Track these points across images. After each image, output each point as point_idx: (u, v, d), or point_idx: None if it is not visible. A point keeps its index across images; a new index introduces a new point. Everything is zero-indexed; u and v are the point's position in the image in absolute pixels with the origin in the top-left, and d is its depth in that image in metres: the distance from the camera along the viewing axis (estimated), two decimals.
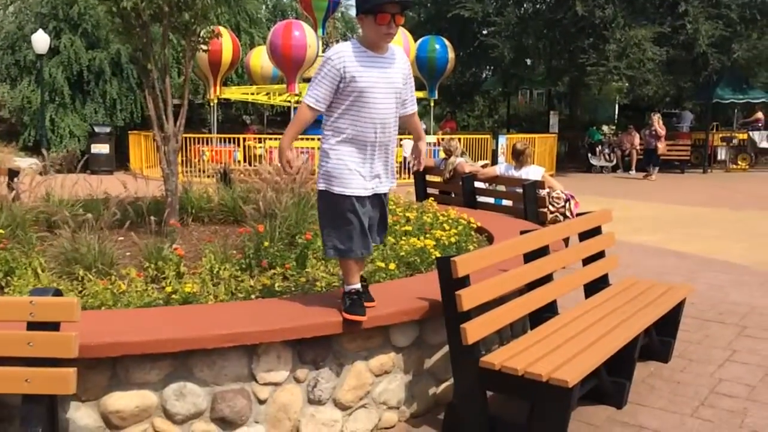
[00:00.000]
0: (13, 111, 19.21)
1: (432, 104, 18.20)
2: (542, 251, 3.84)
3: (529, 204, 6.40)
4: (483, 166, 7.90)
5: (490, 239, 5.07)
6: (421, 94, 16.01)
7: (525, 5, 20.45)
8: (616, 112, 26.34)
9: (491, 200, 7.12)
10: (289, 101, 15.66)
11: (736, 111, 23.91)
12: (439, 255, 3.86)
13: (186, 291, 3.43)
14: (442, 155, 7.72)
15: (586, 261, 4.33)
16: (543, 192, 6.47)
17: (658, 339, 4.18)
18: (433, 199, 6.39)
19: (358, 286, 3.18)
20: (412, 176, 8.31)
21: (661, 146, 17.58)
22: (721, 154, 20.18)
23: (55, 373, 2.47)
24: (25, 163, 15.80)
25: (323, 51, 14.60)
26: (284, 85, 15.52)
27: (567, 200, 6.46)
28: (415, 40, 16.95)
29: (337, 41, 18.73)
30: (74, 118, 18.83)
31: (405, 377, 3.40)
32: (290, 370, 3.06)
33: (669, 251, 7.80)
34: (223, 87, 17.92)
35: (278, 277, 3.83)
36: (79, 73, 18.77)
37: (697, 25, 17.38)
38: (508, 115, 26.24)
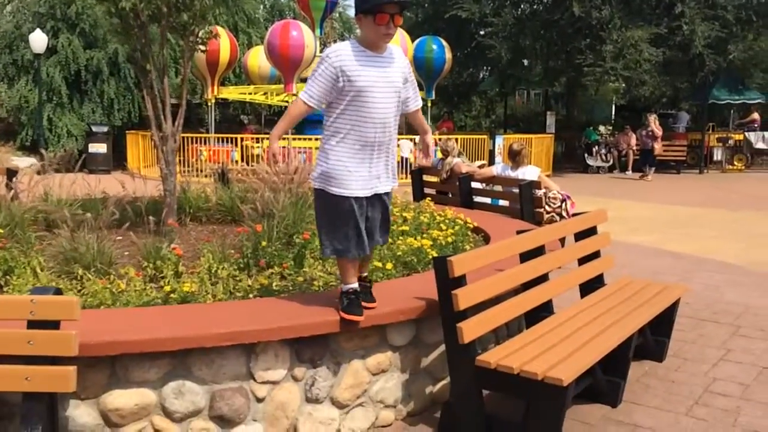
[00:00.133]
0: (11, 110, 19.20)
1: (429, 104, 18.23)
2: (538, 251, 3.87)
3: (526, 204, 6.43)
4: (480, 167, 7.94)
5: (486, 239, 5.10)
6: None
7: (522, 6, 20.52)
8: (613, 112, 26.43)
9: (488, 200, 7.16)
10: (287, 101, 15.68)
11: (732, 112, 23.99)
12: (435, 255, 3.89)
13: (184, 290, 3.45)
14: (440, 155, 7.75)
15: (582, 261, 4.37)
16: (539, 192, 6.51)
17: (652, 338, 4.21)
18: (430, 199, 6.42)
19: (355, 285, 3.20)
20: (409, 176, 8.34)
21: (658, 147, 17.65)
22: (718, 155, 20.25)
23: (55, 372, 2.50)
24: (23, 162, 15.80)
25: (321, 51, 14.62)
26: (282, 85, 15.54)
27: (563, 200, 6.50)
28: (413, 41, 16.98)
29: (335, 41, 18.73)
30: (72, 118, 18.82)
31: (402, 376, 3.43)
32: (288, 368, 3.09)
33: (665, 251, 7.84)
34: (221, 87, 17.94)
35: (276, 276, 3.85)
36: (76, 72, 18.76)
37: (694, 26, 17.44)
38: (505, 115, 26.30)
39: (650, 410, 3.59)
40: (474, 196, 7.08)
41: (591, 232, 4.45)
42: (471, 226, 5.32)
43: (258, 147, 15.09)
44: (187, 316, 3.11)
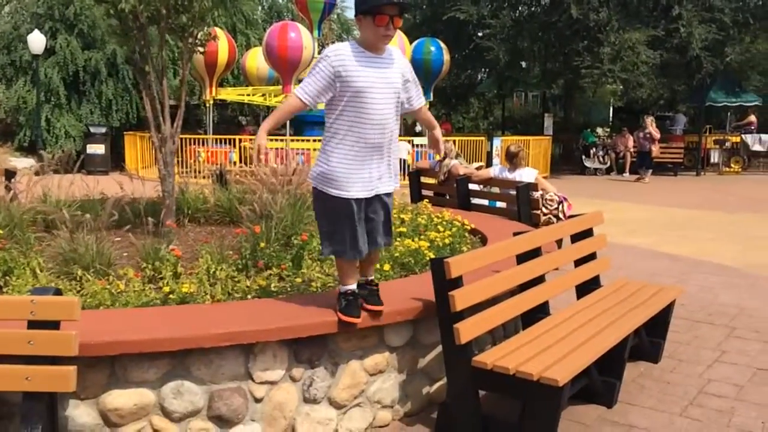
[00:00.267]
0: (9, 111, 19.21)
1: (427, 106, 18.21)
2: (534, 253, 3.90)
3: (523, 206, 6.45)
4: (477, 168, 7.96)
5: (483, 241, 5.13)
6: None
7: (520, 8, 20.58)
8: (611, 114, 26.50)
9: (485, 202, 7.18)
10: None
11: (729, 114, 24.08)
12: (433, 256, 3.91)
13: (183, 291, 3.48)
14: (437, 157, 7.77)
15: (578, 262, 4.40)
16: (536, 194, 6.53)
17: (648, 340, 4.24)
18: (427, 200, 6.45)
19: (353, 287, 3.22)
20: (407, 178, 8.36)
21: (655, 149, 17.71)
22: (714, 157, 20.32)
23: (55, 371, 2.52)
24: (21, 163, 15.80)
25: (319, 52, 14.65)
26: (280, 87, 15.56)
27: (560, 202, 6.52)
28: (411, 42, 17.02)
29: (333, 43, 18.78)
30: (70, 119, 18.84)
31: (399, 376, 3.45)
32: (286, 369, 3.11)
33: (661, 253, 7.87)
34: (219, 88, 17.94)
35: (274, 277, 3.87)
36: (74, 73, 18.78)
37: (691, 28, 17.51)
38: (503, 117, 26.35)
39: (645, 411, 3.62)
40: (471, 198, 7.11)
41: (587, 234, 4.48)
42: (468, 227, 5.35)
43: None
44: (185, 317, 3.13)
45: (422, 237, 4.65)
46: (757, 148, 20.22)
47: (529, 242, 3.87)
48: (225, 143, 15.83)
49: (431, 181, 7.82)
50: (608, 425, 3.46)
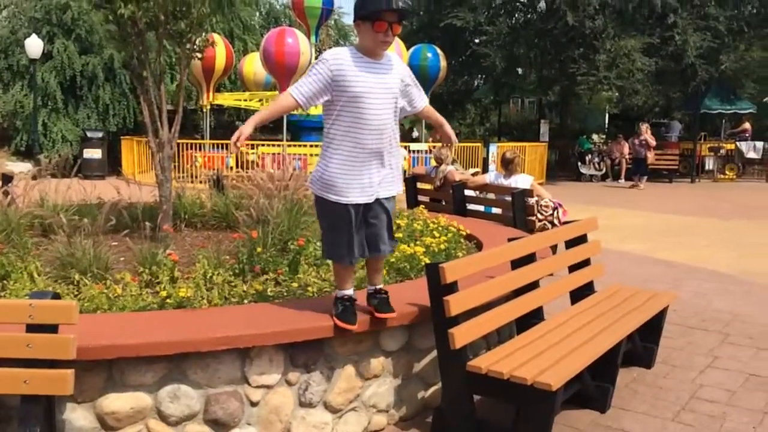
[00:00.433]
0: (6, 115, 19.20)
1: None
2: (529, 258, 3.93)
3: (518, 212, 6.50)
4: (473, 174, 8.01)
5: (479, 246, 5.16)
6: None
7: (516, 15, 20.69)
8: (606, 121, 26.60)
9: (481, 208, 7.23)
10: None
11: (723, 121, 24.22)
12: (428, 261, 3.94)
13: (180, 295, 3.50)
14: (433, 163, 7.82)
15: (572, 268, 4.43)
16: (531, 200, 6.58)
17: (641, 345, 4.28)
18: (423, 206, 6.48)
19: (349, 292, 3.25)
20: (403, 184, 8.39)
21: (650, 156, 17.80)
22: (709, 164, 20.43)
23: (53, 375, 2.54)
24: (17, 167, 15.79)
25: (316, 58, 14.71)
26: (277, 92, 15.61)
27: (555, 208, 6.57)
28: (408, 49, 17.09)
29: (330, 48, 18.85)
30: (67, 123, 18.85)
31: (394, 381, 3.48)
32: (282, 373, 3.13)
33: (656, 260, 7.92)
34: (216, 93, 17.99)
35: (271, 282, 3.89)
36: (72, 78, 18.80)
37: (686, 36, 17.63)
38: (499, 123, 26.44)
39: (638, 416, 3.65)
40: (467, 204, 7.15)
41: (581, 240, 4.52)
42: (464, 233, 5.37)
43: (253, 153, 15.14)
44: (182, 321, 3.15)
45: (418, 242, 4.68)
46: (751, 155, 20.33)
47: (523, 248, 3.91)
48: (222, 148, 15.85)
49: (427, 186, 7.86)
50: (601, 430, 3.49)
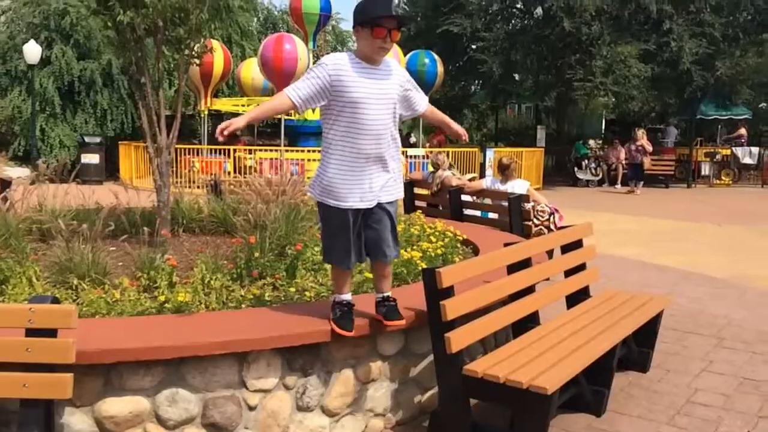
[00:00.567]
0: (4, 121, 19.22)
1: (421, 118, 18.37)
2: (525, 263, 3.96)
3: (515, 217, 6.53)
4: (471, 180, 8.05)
5: (475, 251, 5.19)
6: None
7: (513, 21, 20.80)
8: (603, 126, 26.69)
9: (478, 213, 7.25)
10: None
11: (719, 127, 24.32)
12: (425, 266, 3.96)
13: (178, 300, 3.51)
14: (430, 169, 7.85)
15: (568, 273, 4.46)
16: (528, 205, 6.61)
17: (637, 350, 4.31)
18: (420, 211, 6.50)
19: (348, 297, 3.26)
20: None
21: (647, 161, 17.87)
22: (705, 170, 20.50)
23: (52, 379, 2.56)
24: (15, 172, 15.81)
25: (314, 64, 14.75)
26: None
27: (551, 214, 6.60)
28: (405, 55, 17.16)
29: (328, 54, 18.90)
30: (64, 128, 18.86)
31: (391, 385, 3.50)
32: (279, 377, 3.15)
33: (651, 264, 7.96)
34: (214, 98, 18.02)
35: (268, 287, 3.92)
36: (70, 83, 18.82)
37: (682, 42, 17.74)
38: (496, 128, 26.51)
39: (633, 419, 3.68)
40: (464, 209, 7.18)
41: (577, 245, 4.55)
42: (460, 238, 5.40)
43: (250, 158, 15.17)
44: (181, 326, 3.17)
45: (415, 247, 4.71)
46: (747, 160, 20.43)
47: (519, 253, 3.94)
48: (219, 153, 15.88)
49: (424, 192, 7.89)
50: None
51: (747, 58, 19.70)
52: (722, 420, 3.69)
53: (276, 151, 15.44)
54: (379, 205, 3.17)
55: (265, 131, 24.36)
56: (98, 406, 2.86)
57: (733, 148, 20.71)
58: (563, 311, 4.27)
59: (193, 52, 5.53)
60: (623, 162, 18.89)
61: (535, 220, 6.55)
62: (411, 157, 16.09)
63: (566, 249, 4.51)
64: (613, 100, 19.77)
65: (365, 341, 3.34)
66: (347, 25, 28.95)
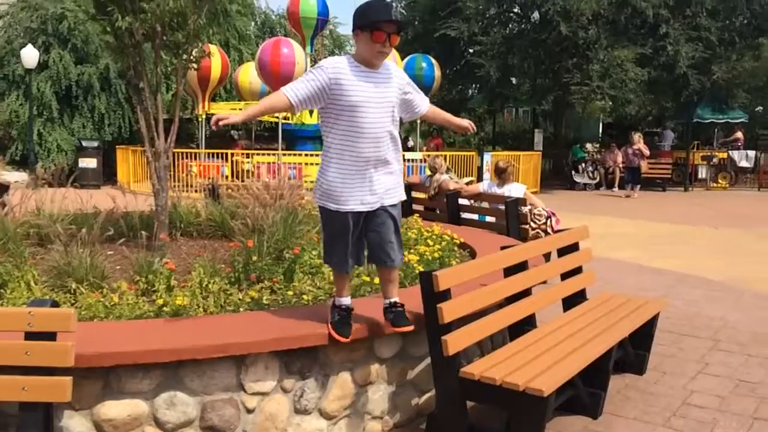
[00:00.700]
0: (1, 125, 19.21)
1: (419, 121, 18.41)
2: (521, 266, 3.98)
3: (512, 220, 6.56)
4: (468, 183, 8.08)
5: (472, 255, 5.21)
6: None
7: (510, 25, 20.87)
8: (600, 130, 26.76)
9: (475, 217, 7.28)
10: (277, 117, 15.82)
11: (716, 130, 24.40)
12: (422, 270, 3.99)
13: (176, 304, 3.53)
14: (428, 172, 7.89)
15: (564, 276, 4.49)
16: (525, 209, 6.64)
17: (633, 352, 4.33)
18: (418, 215, 6.53)
19: (346, 301, 3.27)
20: None
21: (644, 165, 17.93)
22: (702, 173, 20.57)
23: (51, 382, 2.57)
24: (13, 177, 15.80)
25: (312, 68, 14.77)
26: None
27: (548, 217, 6.63)
28: (403, 59, 17.20)
29: (325, 58, 18.93)
30: (62, 133, 18.88)
31: (388, 388, 3.51)
32: (277, 380, 3.17)
33: (648, 268, 7.98)
34: (212, 102, 18.04)
35: (266, 290, 3.93)
36: (67, 87, 18.84)
37: (678, 47, 17.81)
38: (494, 132, 26.56)
39: (629, 422, 3.70)
40: (461, 213, 7.21)
41: (573, 248, 4.57)
42: (458, 242, 5.43)
43: (248, 162, 15.19)
44: (179, 329, 3.19)
45: (412, 251, 4.73)
46: (744, 164, 20.49)
47: (515, 256, 3.96)
48: (217, 157, 15.90)
49: (422, 195, 7.92)
50: None
51: (743, 62, 19.79)
52: (717, 422, 3.71)
53: (273, 155, 15.47)
54: (383, 208, 3.16)
55: (263, 135, 24.39)
56: (97, 409, 2.88)
57: (730, 152, 20.77)
58: (560, 314, 4.30)
59: (191, 57, 5.55)
60: (620, 165, 18.95)
61: (532, 224, 6.59)
62: (408, 160, 16.13)
63: (563, 252, 4.54)
64: (610, 103, 19.82)
65: (362, 344, 3.36)
66: (345, 29, 29.04)
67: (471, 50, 20.10)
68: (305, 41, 16.36)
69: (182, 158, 15.57)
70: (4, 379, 2.57)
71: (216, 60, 16.19)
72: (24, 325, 2.57)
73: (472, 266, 3.68)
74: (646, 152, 17.90)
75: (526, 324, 3.97)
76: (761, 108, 26.15)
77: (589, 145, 20.60)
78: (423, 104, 3.40)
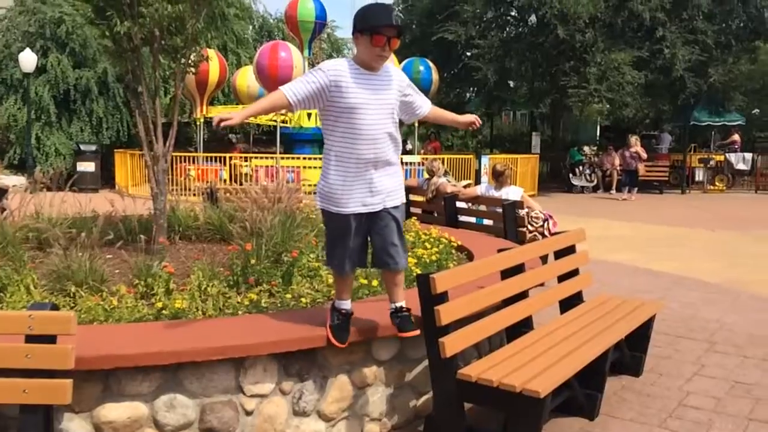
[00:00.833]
0: None
1: (416, 124, 18.48)
2: (518, 269, 4.01)
3: (509, 223, 6.59)
4: (465, 186, 8.11)
5: (470, 257, 5.23)
6: None
7: (507, 29, 20.92)
8: (598, 133, 26.83)
9: (472, 219, 7.31)
10: (275, 120, 15.85)
11: (713, 133, 24.48)
12: (420, 272, 4.01)
13: (175, 307, 3.55)
14: (425, 176, 7.91)
15: (561, 278, 4.51)
16: (522, 212, 6.67)
17: (629, 354, 4.36)
18: (415, 218, 6.55)
19: (346, 305, 3.27)
20: None
21: (641, 168, 17.98)
22: (699, 176, 20.64)
23: (51, 384, 2.59)
24: (11, 181, 15.80)
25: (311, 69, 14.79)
26: None
27: (545, 220, 6.66)
28: (400, 62, 17.24)
29: (323, 61, 18.94)
30: (60, 137, 18.88)
31: (386, 390, 3.54)
32: (276, 382, 3.19)
33: (644, 270, 8.01)
34: (210, 106, 18.07)
35: (265, 293, 3.95)
36: (65, 91, 18.85)
37: (675, 50, 17.87)
38: (491, 135, 26.61)
39: (625, 423, 3.72)
40: (459, 216, 7.23)
41: (570, 250, 4.60)
42: (455, 244, 5.45)
43: (246, 166, 15.21)
44: (178, 332, 3.21)
45: (410, 254, 4.75)
46: (740, 166, 20.56)
47: (512, 259, 3.99)
48: (215, 161, 15.92)
49: (419, 198, 7.95)
50: None
51: (740, 65, 19.88)
52: (713, 423, 3.74)
53: (272, 158, 15.49)
54: (385, 210, 3.16)
55: (261, 139, 24.43)
56: (97, 411, 2.90)
57: (727, 154, 20.84)
58: (557, 316, 4.32)
59: (190, 61, 5.57)
60: (618, 168, 19.00)
61: (529, 227, 6.62)
62: (406, 164, 16.16)
63: (559, 255, 4.57)
64: (608, 106, 19.89)
65: (360, 346, 3.38)
66: (342, 32, 29.10)
67: (468, 53, 20.15)
68: (303, 45, 16.39)
69: (180, 162, 15.59)
70: (4, 381, 2.59)
71: (214, 64, 16.22)
72: (24, 328, 2.59)
73: (469, 269, 3.70)
74: (644, 155, 17.95)
75: (524, 326, 3.99)
76: (758, 110, 26.24)
77: (586, 148, 20.64)
78: (424, 105, 3.42)
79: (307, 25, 16.21)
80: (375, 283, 4.14)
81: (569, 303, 4.46)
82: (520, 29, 20.78)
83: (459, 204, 7.30)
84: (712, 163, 20.63)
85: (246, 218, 4.66)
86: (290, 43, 15.96)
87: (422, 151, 19.84)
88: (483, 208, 7.29)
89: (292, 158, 15.43)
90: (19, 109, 18.72)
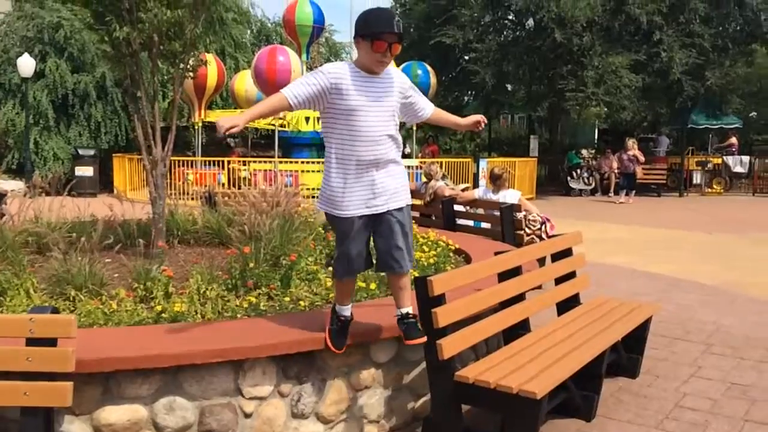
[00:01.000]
0: None
1: (414, 128, 18.51)
2: (515, 271, 4.03)
3: (507, 226, 6.61)
4: (463, 190, 8.14)
5: (467, 260, 5.25)
6: None
7: (505, 33, 20.98)
8: (596, 136, 26.90)
9: (470, 223, 7.34)
10: (273, 124, 15.88)
11: (710, 136, 24.55)
12: (417, 275, 4.03)
13: (174, 310, 3.57)
14: (423, 179, 7.94)
15: (559, 281, 4.54)
16: (519, 215, 6.69)
17: (626, 356, 4.38)
18: (413, 221, 6.57)
19: (346, 311, 3.26)
20: None
21: (639, 171, 18.03)
22: (697, 178, 20.67)
23: (52, 387, 2.61)
24: (9, 185, 15.80)
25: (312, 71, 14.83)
26: None
27: (543, 223, 6.69)
28: (398, 66, 17.29)
29: (321, 65, 18.96)
30: (58, 141, 18.90)
31: (384, 392, 3.56)
32: (275, 384, 3.21)
33: (642, 272, 8.04)
34: (208, 110, 18.10)
35: (263, 296, 3.97)
36: (64, 96, 18.88)
37: (672, 53, 17.94)
38: (490, 138, 26.66)
39: (622, 424, 3.75)
40: (456, 219, 7.26)
41: (567, 253, 4.63)
42: (453, 247, 5.48)
43: (244, 170, 15.24)
44: (177, 335, 3.23)
45: None
46: (738, 169, 20.62)
47: (509, 261, 4.02)
48: (213, 165, 15.94)
49: (417, 202, 7.97)
50: None
51: (736, 68, 19.95)
52: (709, 424, 3.76)
53: (270, 162, 15.51)
54: (389, 213, 3.13)
55: (259, 143, 24.45)
56: (97, 414, 2.92)
57: (724, 157, 20.91)
58: (554, 318, 4.35)
59: (188, 66, 5.60)
60: (616, 171, 19.04)
61: (526, 230, 6.64)
62: (404, 167, 16.17)
63: (556, 257, 4.59)
64: (605, 110, 19.95)
65: (358, 349, 3.40)
66: (341, 37, 29.16)
67: (466, 57, 20.21)
68: (301, 49, 16.44)
69: (179, 166, 15.60)
70: (5, 384, 2.61)
71: (212, 68, 16.26)
72: (25, 331, 2.61)
73: (467, 271, 3.73)
74: (641, 158, 18.01)
75: (521, 328, 4.02)
76: (755, 113, 26.33)
77: (584, 151, 20.70)
78: (427, 107, 3.43)
79: (305, 30, 16.26)
80: (373, 286, 4.17)
81: (566, 305, 4.49)
82: (518, 33, 20.85)
83: (457, 207, 7.32)
84: (709, 166, 20.69)
85: (244, 222, 4.69)
86: (288, 47, 16.00)
87: (420, 155, 19.88)
88: (481, 211, 7.32)
89: (291, 162, 15.45)
90: (18, 114, 18.74)
